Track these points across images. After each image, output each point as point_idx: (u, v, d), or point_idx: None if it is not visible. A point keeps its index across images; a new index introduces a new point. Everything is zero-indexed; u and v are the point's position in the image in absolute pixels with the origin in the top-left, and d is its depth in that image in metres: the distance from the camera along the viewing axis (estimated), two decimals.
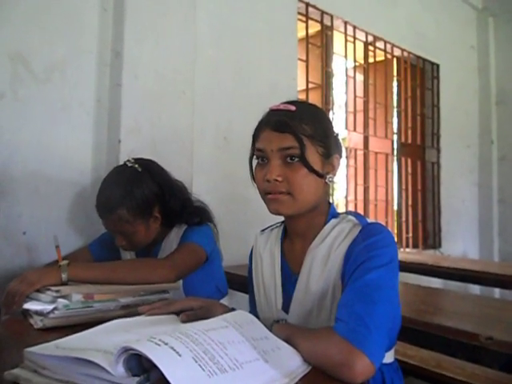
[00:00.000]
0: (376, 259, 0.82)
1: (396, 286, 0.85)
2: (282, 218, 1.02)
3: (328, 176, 0.93)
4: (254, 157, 0.96)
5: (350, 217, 0.94)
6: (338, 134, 1.00)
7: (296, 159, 0.88)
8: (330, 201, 1.02)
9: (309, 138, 0.89)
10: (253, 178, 0.97)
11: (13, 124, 1.55)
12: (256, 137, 0.95)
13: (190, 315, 0.86)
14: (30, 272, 1.11)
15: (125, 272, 1.18)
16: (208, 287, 1.42)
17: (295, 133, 0.88)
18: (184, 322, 0.84)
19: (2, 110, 1.52)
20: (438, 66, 3.87)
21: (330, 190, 1.04)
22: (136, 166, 1.38)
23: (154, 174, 1.39)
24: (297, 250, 0.99)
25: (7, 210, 1.53)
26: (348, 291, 0.81)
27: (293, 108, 0.91)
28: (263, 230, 1.11)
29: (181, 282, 1.31)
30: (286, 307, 0.96)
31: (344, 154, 1.13)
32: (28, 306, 1.01)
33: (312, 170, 0.88)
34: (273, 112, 0.94)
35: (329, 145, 0.93)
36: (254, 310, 1.09)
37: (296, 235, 0.99)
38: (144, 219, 1.35)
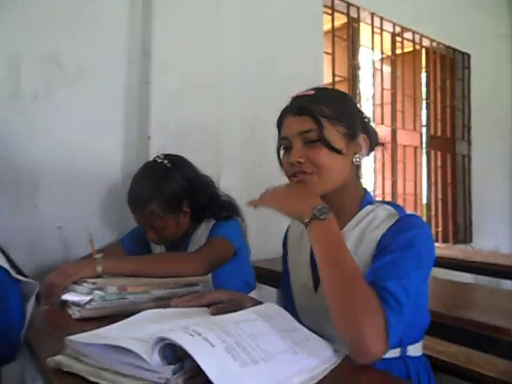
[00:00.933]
0: (414, 257, 0.81)
1: (428, 280, 0.86)
2: None
3: (355, 156, 0.94)
4: (282, 147, 0.98)
5: (388, 206, 0.95)
6: (369, 119, 1.00)
7: (316, 140, 0.90)
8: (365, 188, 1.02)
9: (328, 118, 0.91)
10: (281, 167, 0.98)
11: (46, 123, 1.60)
12: (280, 125, 0.98)
13: (220, 308, 0.88)
14: (68, 265, 1.16)
15: (156, 265, 1.21)
16: (236, 281, 1.44)
17: (313, 114, 0.90)
18: (214, 314, 0.86)
19: (35, 110, 1.58)
20: (468, 55, 3.76)
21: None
22: (165, 161, 1.41)
23: (183, 170, 1.42)
24: None
25: (43, 206, 1.59)
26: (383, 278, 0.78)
27: (311, 92, 0.95)
28: None
29: (210, 275, 1.34)
30: (317, 286, 0.98)
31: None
32: (66, 297, 1.06)
33: (332, 148, 0.90)
34: (293, 99, 0.98)
35: (352, 125, 0.94)
36: (285, 291, 1.11)
37: None
38: (174, 214, 1.38)
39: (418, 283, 0.79)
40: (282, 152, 0.98)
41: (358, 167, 0.97)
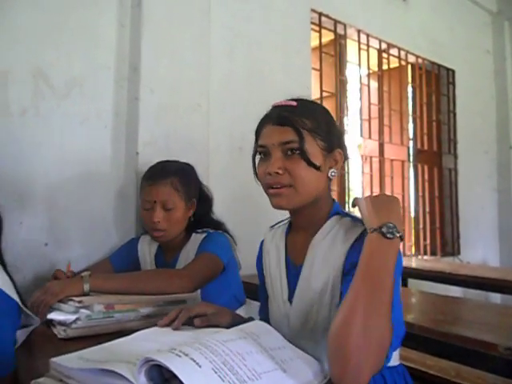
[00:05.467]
0: None
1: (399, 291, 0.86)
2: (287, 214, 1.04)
3: (330, 170, 0.95)
4: (257, 154, 0.98)
5: (350, 217, 0.96)
6: (342, 133, 1.01)
7: (296, 152, 0.91)
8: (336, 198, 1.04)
9: (309, 131, 0.91)
10: (256, 174, 0.99)
11: (34, 139, 1.59)
12: (258, 133, 0.98)
13: (204, 320, 0.89)
14: (54, 283, 1.14)
15: (144, 282, 1.21)
16: (225, 296, 1.44)
17: (295, 126, 0.90)
18: (198, 326, 0.87)
19: (24, 126, 1.57)
20: (453, 71, 3.84)
21: (346, 198, 1.05)
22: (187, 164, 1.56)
23: (197, 176, 1.57)
24: (298, 243, 1.01)
25: (29, 222, 1.57)
26: None
27: (294, 104, 0.95)
28: (272, 227, 1.14)
29: (199, 291, 1.34)
30: (291, 299, 0.98)
31: (359, 160, 1.13)
32: (52, 316, 1.04)
33: (310, 163, 0.90)
34: (275, 108, 0.97)
35: (330, 139, 0.95)
36: (263, 303, 1.11)
37: (298, 228, 1.02)
38: (187, 197, 1.46)
39: (395, 299, 0.78)
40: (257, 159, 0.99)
41: (330, 180, 0.98)
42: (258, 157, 0.99)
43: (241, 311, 1.40)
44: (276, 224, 1.14)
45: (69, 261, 1.44)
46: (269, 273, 1.07)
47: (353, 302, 0.72)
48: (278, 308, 1.02)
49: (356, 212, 0.93)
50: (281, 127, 0.92)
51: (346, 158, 1.00)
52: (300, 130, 0.90)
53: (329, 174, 0.95)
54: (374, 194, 0.90)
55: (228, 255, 1.43)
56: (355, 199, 0.93)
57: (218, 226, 1.51)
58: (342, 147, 0.99)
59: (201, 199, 1.54)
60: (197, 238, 1.46)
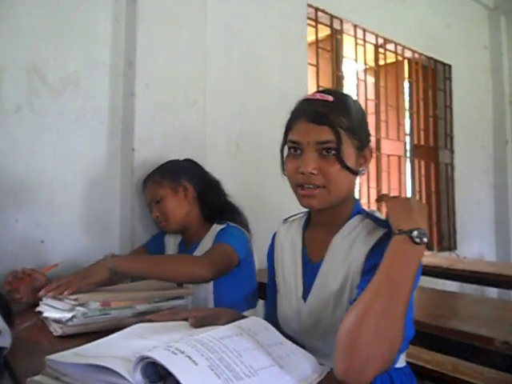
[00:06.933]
0: None
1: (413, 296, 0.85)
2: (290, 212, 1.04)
3: (360, 169, 0.93)
4: (288, 149, 0.94)
5: (373, 218, 0.93)
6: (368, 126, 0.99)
7: (332, 152, 0.87)
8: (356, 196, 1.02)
9: (345, 130, 0.88)
10: (282, 168, 0.95)
11: (29, 136, 1.58)
12: (290, 127, 0.93)
13: (199, 319, 0.86)
14: (81, 270, 1.14)
15: (166, 266, 1.20)
16: (236, 296, 1.41)
17: (333, 126, 0.86)
18: (192, 325, 0.84)
19: (19, 123, 1.56)
20: (449, 66, 3.83)
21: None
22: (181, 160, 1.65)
23: (189, 161, 1.64)
24: (318, 240, 0.98)
25: (25, 220, 1.57)
26: None
27: (330, 98, 0.90)
28: (286, 220, 1.11)
29: (211, 286, 1.36)
30: (305, 296, 0.96)
31: None
32: (47, 314, 1.03)
33: (345, 166, 0.87)
34: (308, 102, 0.92)
35: (363, 137, 0.93)
36: (271, 297, 1.10)
37: (320, 225, 0.99)
38: (172, 183, 1.51)
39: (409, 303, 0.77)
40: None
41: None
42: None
43: (248, 314, 1.38)
44: (290, 217, 1.10)
45: (55, 263, 1.43)
46: (281, 267, 1.05)
47: (370, 300, 0.70)
48: (290, 304, 1.00)
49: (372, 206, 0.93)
50: (317, 126, 0.87)
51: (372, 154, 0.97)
52: (338, 129, 0.86)
53: (359, 173, 0.93)
54: (405, 196, 0.89)
55: (244, 251, 1.39)
56: (383, 195, 0.91)
57: (236, 212, 1.53)
58: (369, 143, 0.96)
59: (206, 186, 1.57)
60: (216, 229, 1.44)
